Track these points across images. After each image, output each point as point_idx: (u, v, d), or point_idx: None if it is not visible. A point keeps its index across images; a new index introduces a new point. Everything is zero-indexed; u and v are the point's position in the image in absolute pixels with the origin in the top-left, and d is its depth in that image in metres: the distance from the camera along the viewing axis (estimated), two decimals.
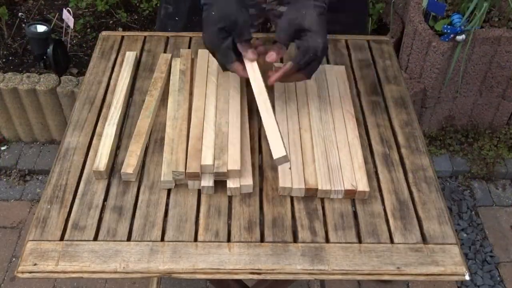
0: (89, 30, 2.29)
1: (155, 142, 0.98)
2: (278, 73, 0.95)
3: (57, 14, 2.30)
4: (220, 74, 1.05)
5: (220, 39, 0.93)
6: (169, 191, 0.91)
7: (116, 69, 1.12)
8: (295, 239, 0.85)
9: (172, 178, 0.89)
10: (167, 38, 1.21)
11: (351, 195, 0.90)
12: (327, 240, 0.85)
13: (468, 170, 2.17)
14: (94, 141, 0.98)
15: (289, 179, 0.90)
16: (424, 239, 0.86)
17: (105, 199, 0.89)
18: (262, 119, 0.91)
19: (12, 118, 2.13)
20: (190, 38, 1.22)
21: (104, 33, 1.23)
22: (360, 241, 0.85)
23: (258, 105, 0.93)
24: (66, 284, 1.81)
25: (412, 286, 1.86)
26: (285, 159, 0.87)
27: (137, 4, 2.40)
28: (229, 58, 0.95)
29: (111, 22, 2.34)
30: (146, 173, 0.93)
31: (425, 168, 0.96)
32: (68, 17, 2.07)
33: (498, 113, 2.22)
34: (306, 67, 0.94)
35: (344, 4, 1.20)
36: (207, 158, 0.90)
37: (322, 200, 0.90)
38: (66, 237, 0.84)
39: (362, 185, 0.90)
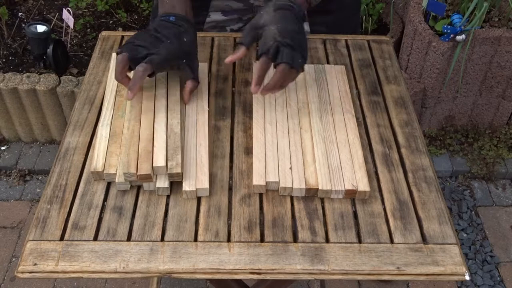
0: (89, 30, 2.29)
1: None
2: (256, 76, 0.93)
3: (57, 14, 2.30)
4: (169, 74, 1.06)
5: (169, 66, 0.98)
6: None
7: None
8: (295, 239, 0.85)
9: (124, 180, 0.89)
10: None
11: (351, 195, 0.90)
12: (327, 240, 0.85)
13: (468, 170, 2.17)
14: (94, 141, 0.98)
15: (289, 179, 0.90)
16: (424, 239, 0.86)
17: (105, 199, 0.89)
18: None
19: (12, 118, 2.13)
20: None
21: (104, 33, 1.23)
22: (360, 241, 0.85)
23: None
24: (66, 284, 1.81)
25: (412, 286, 1.86)
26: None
27: (137, 4, 2.40)
28: (158, 70, 0.98)
29: (111, 22, 2.34)
30: None
31: (425, 168, 0.96)
32: (68, 17, 2.07)
33: (498, 113, 2.22)
34: (276, 56, 0.91)
35: (330, 6, 1.21)
36: (159, 160, 0.89)
37: (322, 200, 0.90)
38: (66, 237, 0.84)
39: (363, 185, 0.90)
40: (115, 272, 0.80)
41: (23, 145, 2.22)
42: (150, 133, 0.94)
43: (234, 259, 0.81)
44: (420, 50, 2.05)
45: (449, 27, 1.92)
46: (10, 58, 2.17)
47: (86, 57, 2.17)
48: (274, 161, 0.93)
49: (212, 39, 1.22)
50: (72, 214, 0.87)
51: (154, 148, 0.91)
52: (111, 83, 1.06)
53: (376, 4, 2.29)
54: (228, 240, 0.84)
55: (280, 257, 0.82)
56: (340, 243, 0.84)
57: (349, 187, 0.90)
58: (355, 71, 1.16)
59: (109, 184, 0.92)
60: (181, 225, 0.86)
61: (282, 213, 0.88)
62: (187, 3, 1.03)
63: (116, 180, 0.89)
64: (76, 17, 2.28)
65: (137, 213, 0.87)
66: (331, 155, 0.95)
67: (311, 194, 0.91)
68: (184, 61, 0.98)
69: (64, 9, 2.08)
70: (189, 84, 1.01)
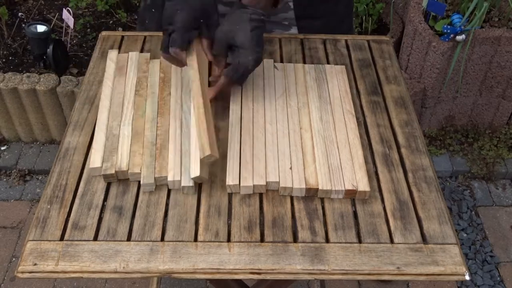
0: (89, 30, 2.29)
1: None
2: (215, 88, 1.00)
3: (57, 14, 2.30)
4: (116, 78, 1.07)
5: (191, 26, 0.97)
6: (169, 191, 0.91)
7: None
8: (295, 239, 0.85)
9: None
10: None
11: (351, 195, 0.90)
12: (327, 240, 0.85)
13: (468, 170, 2.17)
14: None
15: (289, 179, 0.90)
16: (424, 239, 0.86)
17: (105, 199, 0.89)
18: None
19: (12, 118, 2.13)
20: None
21: (104, 33, 1.23)
22: (360, 241, 0.85)
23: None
24: (66, 284, 1.81)
25: (412, 286, 1.86)
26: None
27: (137, 4, 2.40)
28: (184, 45, 0.98)
29: (111, 22, 2.34)
30: None
31: (425, 168, 0.96)
32: (68, 17, 2.07)
33: (498, 113, 2.22)
34: (238, 80, 0.99)
35: (317, 12, 1.21)
36: (96, 161, 0.92)
37: (322, 200, 0.90)
38: (66, 237, 0.84)
39: (363, 185, 0.90)
40: (115, 272, 0.80)
41: (23, 145, 2.22)
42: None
43: (234, 259, 0.81)
44: (420, 50, 2.05)
45: (449, 27, 1.92)
46: (10, 58, 2.17)
47: (86, 57, 2.17)
48: (274, 161, 0.93)
49: None
50: (72, 214, 0.87)
51: (92, 149, 0.95)
52: (130, 82, 1.07)
53: (376, 4, 2.29)
54: (228, 240, 0.84)
55: (280, 257, 0.82)
56: (340, 243, 0.84)
57: (349, 187, 0.90)
58: (355, 71, 1.16)
59: (109, 184, 0.92)
60: (181, 225, 0.86)
61: (282, 213, 0.88)
62: None
63: (142, 182, 0.90)
64: (76, 17, 2.28)
65: (137, 213, 0.87)
66: (331, 155, 0.95)
67: (311, 194, 0.91)
68: (201, 20, 1.00)
69: (64, 9, 2.08)
70: (204, 42, 1.02)
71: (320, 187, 0.89)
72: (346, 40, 1.23)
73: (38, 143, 2.22)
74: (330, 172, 0.92)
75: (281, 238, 0.85)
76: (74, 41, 2.24)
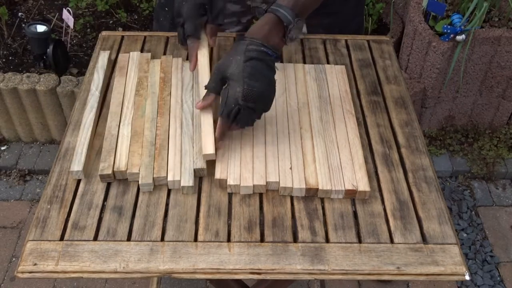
0: (89, 30, 2.29)
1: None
2: (217, 132, 0.93)
3: (57, 14, 2.30)
4: (116, 78, 1.08)
5: (199, 13, 1.01)
6: (169, 191, 0.91)
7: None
8: (295, 239, 0.85)
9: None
10: (167, 38, 1.21)
11: (351, 195, 0.90)
12: (327, 240, 0.85)
13: (468, 170, 2.17)
14: (94, 141, 0.98)
15: (289, 179, 0.90)
16: (424, 239, 0.86)
17: (105, 199, 0.89)
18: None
19: (12, 118, 2.13)
20: None
21: (104, 33, 1.23)
22: (360, 241, 0.85)
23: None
24: (66, 284, 1.81)
25: (412, 286, 1.86)
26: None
27: (137, 4, 2.40)
28: (197, 34, 1.03)
29: (111, 22, 2.34)
30: None
31: (425, 168, 0.96)
32: (68, 17, 2.07)
33: (498, 113, 2.22)
34: (235, 118, 0.90)
35: (328, 8, 1.20)
36: (75, 165, 0.92)
37: (322, 200, 0.90)
38: (66, 237, 0.84)
39: (363, 185, 0.90)
40: (115, 272, 0.80)
41: (23, 145, 2.21)
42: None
43: (234, 259, 0.81)
44: (420, 50, 2.05)
45: (449, 27, 1.92)
46: (10, 58, 2.17)
47: (86, 57, 2.17)
48: (274, 161, 0.93)
49: None
50: (72, 214, 0.87)
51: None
52: (130, 82, 1.07)
53: (376, 4, 2.29)
54: (228, 240, 0.84)
55: (280, 257, 0.82)
56: (340, 243, 0.84)
57: (349, 187, 0.90)
58: (355, 71, 1.16)
59: (109, 184, 0.92)
60: (181, 225, 0.86)
61: (282, 213, 0.88)
62: None
63: (140, 182, 0.90)
64: (76, 17, 2.28)
65: (137, 213, 0.87)
66: (331, 155, 0.95)
67: (311, 194, 0.91)
68: (206, 6, 1.02)
69: (64, 9, 2.08)
70: (207, 28, 1.05)
71: (320, 187, 0.89)
72: (346, 40, 1.23)
73: (38, 143, 2.22)
74: (330, 172, 0.92)
75: (281, 238, 0.85)
76: (74, 41, 2.24)
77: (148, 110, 1.01)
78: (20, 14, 2.35)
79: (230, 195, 0.90)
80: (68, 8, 2.09)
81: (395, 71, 1.16)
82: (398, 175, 0.95)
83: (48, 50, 2.01)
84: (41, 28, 2.03)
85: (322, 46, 1.21)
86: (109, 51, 1.14)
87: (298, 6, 0.91)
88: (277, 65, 1.12)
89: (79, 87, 1.99)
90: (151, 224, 0.86)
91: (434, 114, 2.21)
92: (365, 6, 2.25)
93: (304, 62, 1.16)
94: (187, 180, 0.90)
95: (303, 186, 0.90)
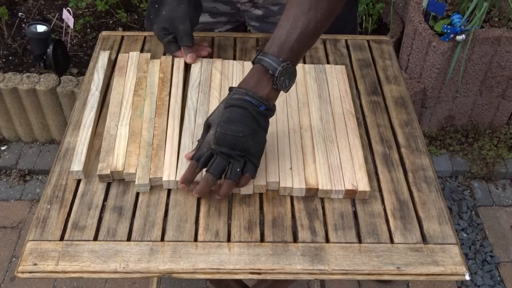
0: (89, 30, 2.29)
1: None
2: (183, 176, 0.88)
3: (57, 14, 2.30)
4: (115, 78, 1.08)
5: (162, 35, 1.10)
6: (169, 191, 0.91)
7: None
8: (295, 239, 0.85)
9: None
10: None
11: (351, 195, 0.90)
12: (327, 240, 0.85)
13: (468, 170, 2.17)
14: (94, 141, 0.98)
15: (289, 179, 0.90)
16: (424, 239, 0.86)
17: (105, 199, 0.89)
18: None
19: (12, 118, 2.13)
20: None
21: (104, 33, 1.23)
22: (360, 241, 0.85)
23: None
24: (66, 284, 1.81)
25: (412, 286, 1.86)
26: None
27: (137, 4, 2.40)
28: (171, 49, 1.12)
29: (111, 22, 2.34)
30: None
31: (425, 168, 0.96)
32: (68, 17, 2.07)
33: (498, 113, 2.22)
34: (206, 164, 0.85)
35: None
36: (75, 165, 0.92)
37: (322, 200, 0.90)
38: (66, 237, 0.84)
39: (363, 185, 0.90)
40: (115, 272, 0.80)
41: (23, 145, 2.22)
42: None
43: (234, 259, 0.81)
44: (420, 50, 2.05)
45: (449, 27, 1.92)
46: (10, 58, 2.17)
47: (86, 57, 2.17)
48: (274, 161, 0.93)
49: (212, 39, 1.22)
50: (72, 214, 0.87)
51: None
52: (129, 82, 1.07)
53: (376, 4, 2.29)
54: (228, 240, 0.84)
55: (280, 257, 0.82)
56: (340, 243, 0.84)
57: (349, 187, 0.90)
58: (355, 71, 1.16)
59: (109, 184, 0.92)
60: (181, 225, 0.86)
61: (282, 213, 0.88)
62: None
63: (137, 182, 0.90)
64: (76, 17, 2.28)
65: (137, 213, 0.87)
66: (331, 155, 0.95)
67: (311, 194, 0.91)
68: (170, 31, 1.08)
69: (64, 9, 2.08)
70: (182, 49, 1.11)
71: (320, 187, 0.89)
72: (346, 40, 1.23)
73: (38, 143, 2.22)
74: (330, 172, 0.92)
75: (281, 238, 0.85)
76: (74, 41, 2.24)
77: (147, 110, 1.01)
78: (20, 14, 2.36)
79: (230, 195, 0.90)
80: (68, 8, 2.09)
81: (395, 71, 1.16)
82: (398, 175, 0.95)
83: (48, 50, 2.01)
84: (41, 28, 2.03)
85: (322, 46, 1.21)
86: (109, 51, 1.14)
87: (285, 52, 0.86)
88: None
89: (79, 87, 1.99)
90: (151, 224, 0.86)
91: (434, 114, 2.21)
92: (365, 6, 2.25)
93: (304, 62, 1.16)
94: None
95: (303, 186, 0.90)
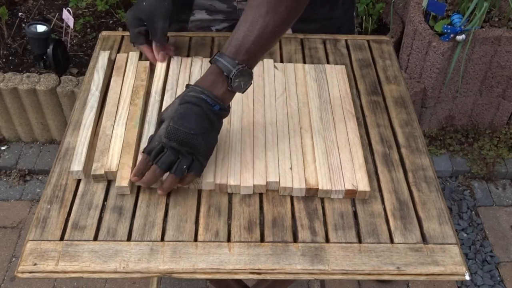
0: (89, 30, 2.29)
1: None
2: (136, 168, 0.88)
3: (57, 14, 2.30)
4: (113, 77, 1.08)
5: (135, 23, 1.08)
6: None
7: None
8: (295, 239, 0.85)
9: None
10: (167, 38, 1.21)
11: (351, 195, 0.90)
12: (327, 240, 0.85)
13: (468, 170, 2.17)
14: (94, 141, 0.98)
15: (289, 179, 0.90)
16: (424, 239, 0.86)
17: (105, 199, 0.89)
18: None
19: (12, 118, 2.13)
20: (190, 38, 1.22)
21: (104, 33, 1.23)
22: (360, 241, 0.85)
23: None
24: (66, 284, 1.81)
25: (412, 286, 1.86)
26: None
27: None
28: (138, 41, 1.10)
29: (111, 22, 2.34)
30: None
31: (425, 168, 0.96)
32: (68, 17, 2.06)
33: (498, 113, 2.22)
34: (156, 157, 0.86)
35: (312, 15, 1.20)
36: (75, 165, 0.92)
37: (322, 200, 0.90)
38: (66, 237, 0.84)
39: (363, 185, 0.90)
40: (115, 272, 0.80)
41: (23, 145, 2.21)
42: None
43: (234, 259, 0.81)
44: (420, 50, 2.05)
45: (449, 27, 1.92)
46: (10, 58, 2.17)
47: (86, 57, 2.17)
48: (274, 161, 0.93)
49: (212, 39, 1.22)
50: (72, 214, 0.87)
51: (84, 149, 0.95)
52: (128, 82, 1.07)
53: (376, 4, 2.29)
54: (228, 240, 0.84)
55: (280, 257, 0.82)
56: (340, 243, 0.84)
57: (349, 187, 0.90)
58: (355, 71, 1.16)
59: (109, 184, 0.91)
60: (181, 225, 0.86)
61: (282, 213, 0.88)
62: None
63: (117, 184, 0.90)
64: (76, 17, 2.28)
65: (137, 213, 0.87)
66: (331, 155, 0.95)
67: (311, 194, 0.91)
68: (144, 23, 1.07)
69: (64, 9, 2.08)
70: (154, 45, 1.10)
71: (320, 187, 0.89)
72: (346, 40, 1.23)
73: (38, 143, 2.22)
74: (330, 172, 0.92)
75: (281, 238, 0.85)
76: (74, 41, 2.24)
77: (141, 121, 1.00)
78: (20, 14, 2.36)
79: (230, 195, 0.90)
80: (68, 8, 2.09)
81: (395, 71, 1.16)
82: (398, 175, 0.95)
83: (48, 50, 2.01)
84: (41, 28, 2.03)
85: (322, 46, 1.21)
86: (109, 51, 1.14)
87: (241, 53, 0.86)
88: (277, 65, 1.13)
89: (79, 87, 1.99)
90: (151, 224, 0.86)
91: (434, 114, 2.21)
92: (365, 6, 2.25)
93: (304, 62, 1.16)
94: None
95: (303, 186, 0.90)
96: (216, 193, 0.90)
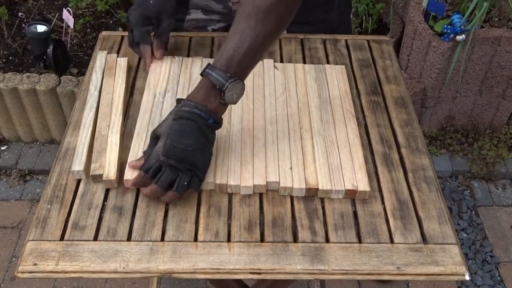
0: (89, 30, 2.29)
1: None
2: (132, 180, 0.89)
3: (57, 14, 2.30)
4: (105, 78, 1.08)
5: (142, 23, 1.08)
6: None
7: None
8: (295, 239, 0.85)
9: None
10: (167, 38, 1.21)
11: (351, 195, 0.90)
12: (327, 240, 0.85)
13: (468, 170, 2.17)
14: (94, 142, 0.98)
15: (289, 179, 0.90)
16: (424, 239, 0.86)
17: (105, 199, 0.89)
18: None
19: (12, 118, 2.13)
20: (190, 38, 1.22)
21: (104, 33, 1.23)
22: (360, 241, 0.85)
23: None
24: (66, 284, 1.81)
25: (412, 286, 1.86)
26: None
27: None
28: (145, 41, 1.10)
29: (111, 22, 2.34)
30: None
31: (425, 168, 0.96)
32: (68, 17, 2.07)
33: (498, 113, 2.22)
34: (155, 176, 0.86)
35: (307, 18, 1.20)
36: (76, 165, 0.92)
37: (322, 200, 0.90)
38: (66, 237, 0.84)
39: (363, 185, 0.90)
40: (115, 272, 0.80)
41: (23, 145, 2.22)
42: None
43: (234, 259, 0.81)
44: (420, 50, 2.05)
45: (449, 27, 1.92)
46: (10, 58, 2.17)
47: (86, 57, 2.17)
48: (274, 161, 0.93)
49: (212, 39, 1.22)
50: (72, 214, 0.87)
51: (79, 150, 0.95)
52: (118, 88, 1.06)
53: (376, 4, 2.29)
54: (228, 240, 0.84)
55: (280, 257, 0.82)
56: (340, 243, 0.84)
57: (349, 187, 0.90)
58: (355, 71, 1.16)
59: None
60: (181, 225, 0.86)
61: (282, 213, 0.88)
62: None
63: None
64: (76, 17, 2.28)
65: (137, 213, 0.87)
66: (331, 155, 0.95)
67: (311, 194, 0.91)
68: (152, 21, 1.07)
69: (64, 9, 2.08)
70: (154, 42, 1.10)
71: (320, 187, 0.89)
72: (346, 40, 1.23)
73: (38, 143, 2.22)
74: (330, 172, 0.92)
75: (281, 238, 0.85)
76: (74, 41, 2.24)
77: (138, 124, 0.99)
78: (20, 14, 2.36)
79: (230, 195, 0.90)
80: (68, 8, 2.09)
81: (395, 71, 1.16)
82: (398, 175, 0.95)
83: (48, 50, 2.01)
84: (41, 28, 2.03)
85: (322, 46, 1.21)
86: (107, 51, 1.14)
87: (233, 66, 0.86)
88: (277, 65, 1.13)
89: (79, 87, 1.99)
90: (151, 224, 0.86)
91: (434, 114, 2.21)
92: (365, 6, 2.25)
93: (304, 62, 1.16)
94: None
95: (303, 186, 0.90)
96: (216, 193, 0.91)
